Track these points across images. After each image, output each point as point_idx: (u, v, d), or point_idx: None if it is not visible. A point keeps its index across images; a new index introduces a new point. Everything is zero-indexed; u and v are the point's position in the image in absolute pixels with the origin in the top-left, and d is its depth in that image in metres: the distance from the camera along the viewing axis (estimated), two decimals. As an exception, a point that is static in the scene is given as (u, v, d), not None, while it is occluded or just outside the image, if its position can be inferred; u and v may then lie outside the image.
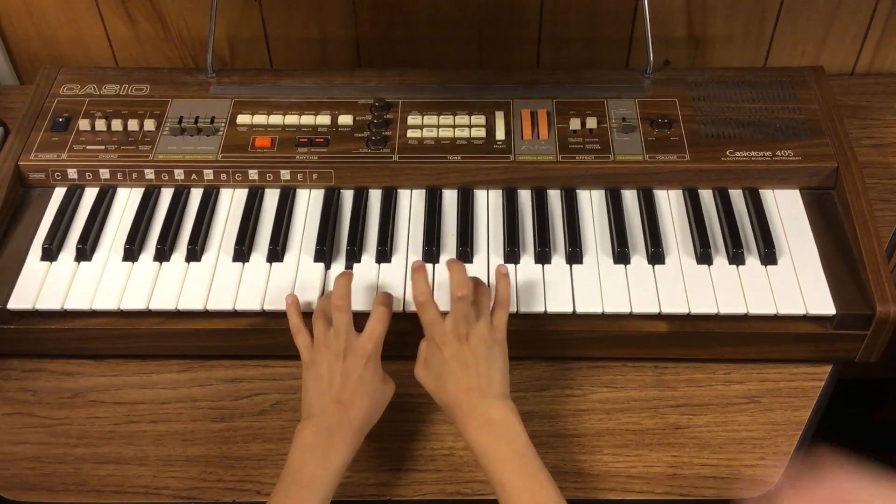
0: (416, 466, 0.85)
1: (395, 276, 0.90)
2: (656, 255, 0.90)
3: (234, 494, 0.83)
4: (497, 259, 0.91)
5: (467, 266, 0.90)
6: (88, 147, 0.98)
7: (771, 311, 0.86)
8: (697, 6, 1.16)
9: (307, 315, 0.85)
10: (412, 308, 0.83)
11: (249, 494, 0.83)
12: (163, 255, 0.91)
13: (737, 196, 0.96)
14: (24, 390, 0.90)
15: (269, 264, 0.91)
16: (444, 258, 0.91)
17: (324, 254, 0.91)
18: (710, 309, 0.86)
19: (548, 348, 0.90)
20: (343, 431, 0.78)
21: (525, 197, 0.97)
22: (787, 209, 0.94)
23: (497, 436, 0.77)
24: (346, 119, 1.00)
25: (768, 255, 0.89)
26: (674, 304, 0.86)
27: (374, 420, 0.81)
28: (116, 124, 1.00)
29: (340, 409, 0.78)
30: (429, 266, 0.90)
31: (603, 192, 0.97)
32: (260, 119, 1.00)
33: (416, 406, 0.86)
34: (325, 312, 0.83)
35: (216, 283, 0.89)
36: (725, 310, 0.85)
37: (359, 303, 0.87)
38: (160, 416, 0.88)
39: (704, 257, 0.90)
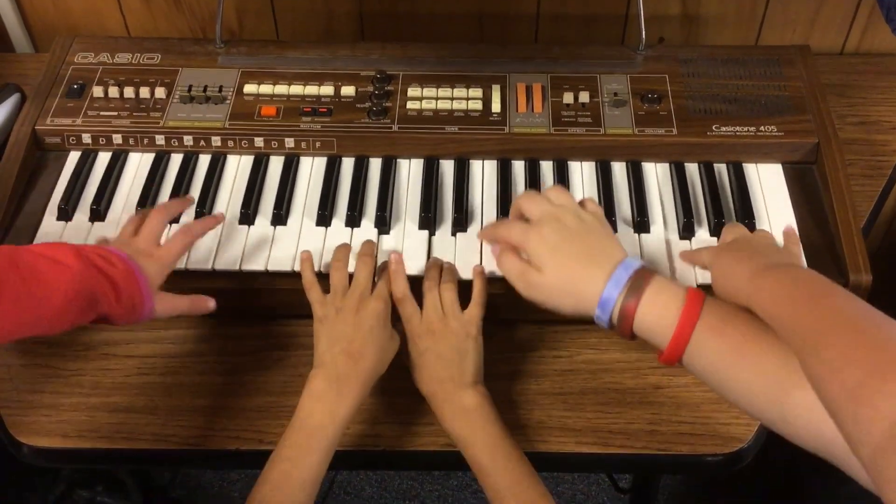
0: (410, 420, 0.89)
1: (394, 242, 0.94)
2: (642, 225, 0.95)
3: (237, 442, 0.88)
4: (491, 226, 0.95)
5: (461, 234, 0.95)
6: (102, 113, 1.03)
7: (748, 278, 0.90)
8: (691, -15, 1.19)
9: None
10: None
11: (252, 443, 0.88)
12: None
13: (721, 169, 1.00)
14: (39, 343, 0.95)
15: (273, 227, 0.96)
16: (440, 225, 0.96)
17: (325, 218, 0.96)
18: (689, 276, 0.90)
19: (537, 311, 0.94)
20: (351, 382, 0.82)
21: (519, 168, 1.01)
22: (768, 182, 0.98)
23: (472, 421, 0.83)
24: (348, 90, 1.04)
25: (747, 226, 0.93)
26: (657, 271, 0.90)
27: (380, 372, 0.86)
28: (129, 92, 1.04)
29: (350, 361, 0.83)
30: (425, 233, 0.95)
31: (593, 163, 1.01)
32: (266, 89, 1.04)
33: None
34: (339, 268, 0.87)
35: (223, 244, 0.94)
36: (704, 277, 0.90)
37: (352, 263, 0.91)
38: (169, 369, 0.93)
39: (687, 227, 0.94)
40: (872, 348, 0.57)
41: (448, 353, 0.85)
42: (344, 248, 0.91)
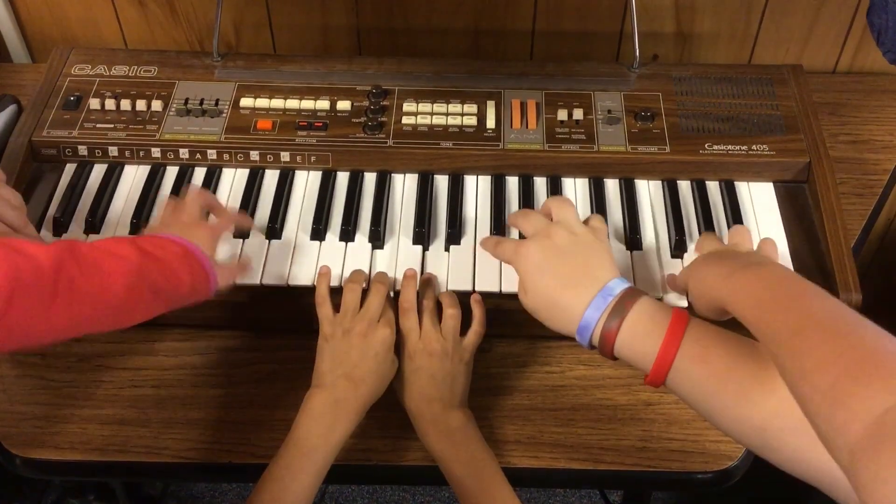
0: (402, 434, 0.89)
1: (388, 257, 0.95)
2: (634, 242, 0.95)
3: (230, 455, 0.88)
4: (484, 242, 0.96)
5: (455, 248, 0.95)
6: (98, 125, 1.03)
7: (739, 296, 0.90)
8: (685, 4, 1.20)
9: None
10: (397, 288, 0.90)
11: (244, 456, 0.88)
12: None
13: (713, 187, 1.01)
14: (32, 354, 0.95)
15: (267, 241, 0.96)
16: (433, 240, 0.96)
17: (320, 232, 0.96)
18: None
19: (529, 327, 0.94)
20: (349, 406, 0.83)
21: (512, 183, 1.01)
22: (760, 201, 0.99)
23: (456, 443, 0.83)
24: (344, 104, 1.05)
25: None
26: (648, 288, 0.91)
27: (378, 396, 0.86)
28: (125, 104, 1.04)
29: (350, 385, 0.83)
30: (418, 247, 0.95)
31: (587, 180, 1.01)
32: (262, 102, 1.05)
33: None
34: (353, 289, 0.87)
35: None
36: (696, 295, 0.90)
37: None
38: (162, 381, 0.93)
39: (679, 245, 0.95)
40: (845, 349, 0.57)
41: (441, 375, 0.85)
42: (361, 272, 0.91)
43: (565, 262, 0.79)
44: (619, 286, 0.77)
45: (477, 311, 0.89)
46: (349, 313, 0.86)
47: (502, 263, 0.93)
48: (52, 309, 0.69)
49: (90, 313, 0.73)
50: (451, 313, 0.87)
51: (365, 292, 0.88)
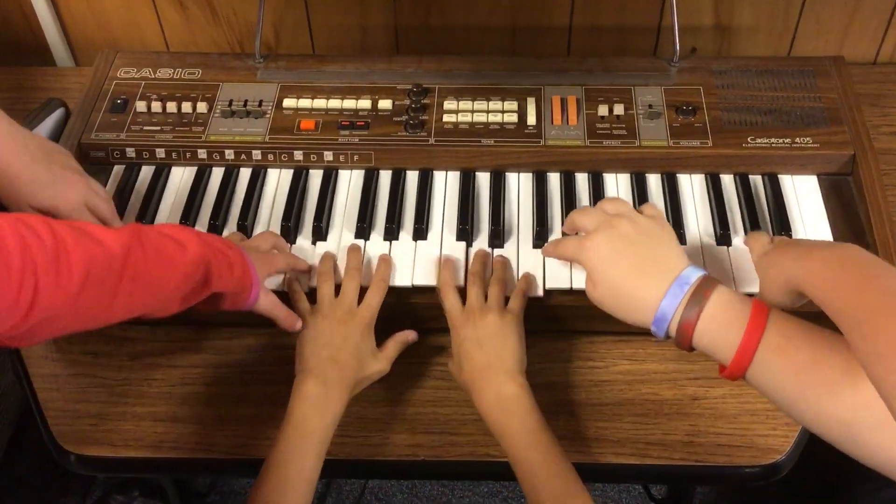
0: (449, 430, 0.90)
1: (431, 253, 0.95)
2: (678, 237, 0.95)
3: (280, 452, 0.89)
4: (527, 239, 0.96)
5: (497, 250, 0.96)
6: (145, 128, 1.05)
7: (785, 290, 0.90)
8: (724, -4, 1.20)
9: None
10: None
11: (294, 452, 0.89)
12: (215, 229, 0.98)
13: (757, 181, 1.00)
14: (85, 353, 0.97)
15: (313, 239, 0.97)
16: (476, 237, 0.97)
17: (364, 230, 0.97)
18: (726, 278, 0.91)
19: (573, 322, 0.95)
20: (338, 388, 0.84)
21: (554, 180, 1.02)
22: (804, 194, 0.99)
23: (509, 411, 0.82)
24: (385, 103, 1.06)
25: (784, 238, 0.93)
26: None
27: (359, 386, 0.87)
28: (171, 106, 1.06)
29: (337, 367, 0.84)
30: (462, 244, 0.96)
31: (628, 175, 1.02)
32: (305, 103, 1.06)
33: (450, 374, 0.92)
34: (326, 280, 0.90)
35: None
36: (742, 289, 0.90)
37: (394, 278, 0.93)
38: (212, 378, 0.95)
39: (724, 239, 0.95)
40: None
41: (487, 340, 0.85)
42: (328, 260, 0.93)
43: (635, 251, 0.77)
44: (695, 274, 0.74)
45: (521, 281, 0.91)
46: (325, 303, 0.88)
47: (546, 261, 0.93)
48: (117, 294, 0.71)
49: (149, 298, 0.75)
50: (495, 285, 0.89)
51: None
